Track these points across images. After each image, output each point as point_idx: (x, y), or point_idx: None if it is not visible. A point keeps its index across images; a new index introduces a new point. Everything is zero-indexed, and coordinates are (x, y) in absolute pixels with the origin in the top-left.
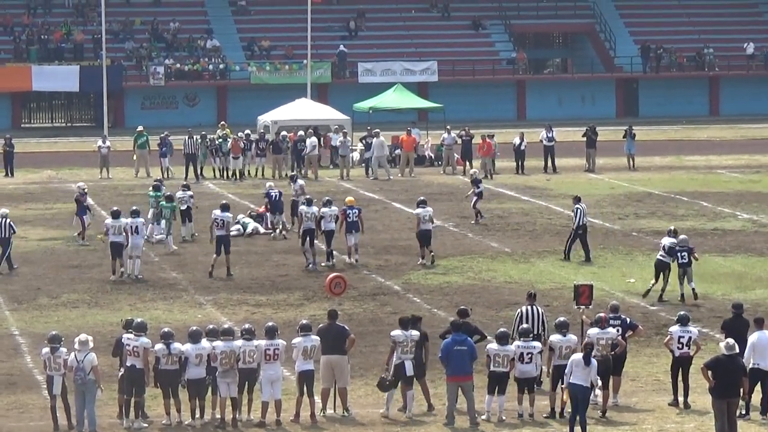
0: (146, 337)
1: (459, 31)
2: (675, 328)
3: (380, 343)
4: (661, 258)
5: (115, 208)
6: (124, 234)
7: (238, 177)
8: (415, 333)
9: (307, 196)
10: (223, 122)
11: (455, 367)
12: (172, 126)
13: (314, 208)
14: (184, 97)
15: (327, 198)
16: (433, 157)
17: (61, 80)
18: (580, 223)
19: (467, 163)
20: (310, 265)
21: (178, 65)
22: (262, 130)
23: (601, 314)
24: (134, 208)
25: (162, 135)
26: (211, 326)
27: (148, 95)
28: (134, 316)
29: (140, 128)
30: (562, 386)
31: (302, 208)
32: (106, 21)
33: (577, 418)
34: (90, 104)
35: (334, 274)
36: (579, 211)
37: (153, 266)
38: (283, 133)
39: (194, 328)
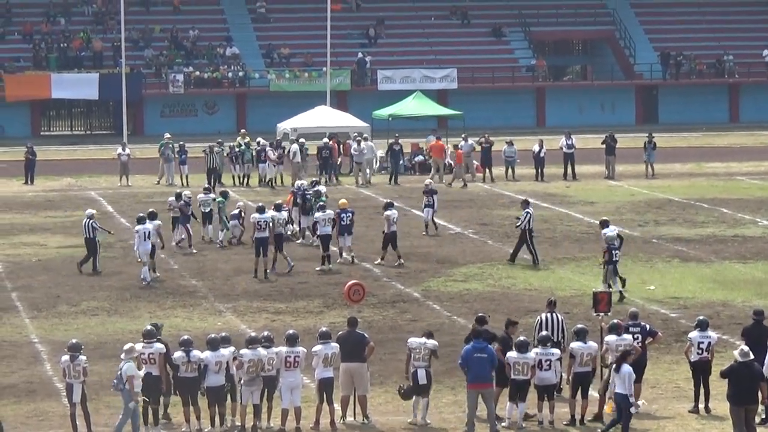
0: (159, 343)
1: (479, 38)
2: (694, 334)
3: (400, 351)
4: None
5: (150, 210)
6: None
7: (273, 184)
8: (431, 342)
9: (259, 204)
10: (243, 130)
11: (475, 374)
12: (191, 134)
13: (267, 215)
14: (204, 105)
15: (321, 203)
16: (453, 164)
17: (80, 88)
18: (528, 228)
19: (486, 170)
20: (268, 271)
21: (198, 73)
22: (279, 138)
23: (617, 321)
24: (141, 214)
25: (181, 143)
26: (223, 334)
27: (167, 103)
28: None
29: (168, 136)
30: (609, 397)
31: (254, 215)
32: (126, 29)
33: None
34: (109, 112)
35: (353, 281)
36: (528, 215)
37: (173, 273)
38: (301, 140)
39: (213, 335)
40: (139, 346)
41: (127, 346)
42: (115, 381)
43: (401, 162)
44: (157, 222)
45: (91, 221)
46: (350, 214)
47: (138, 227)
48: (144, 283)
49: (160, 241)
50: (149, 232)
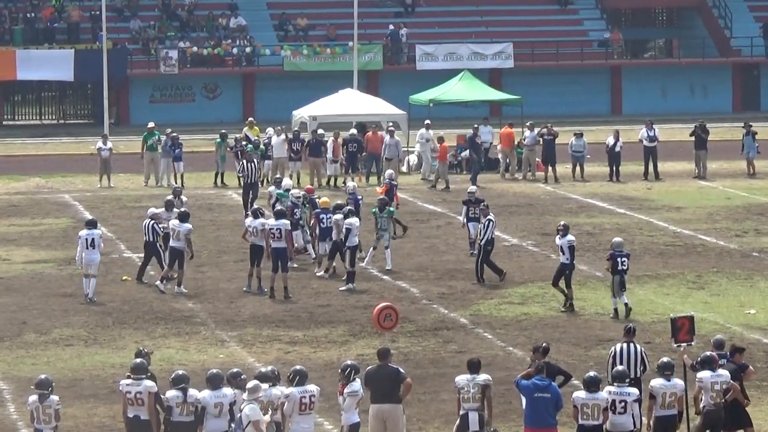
0: (149, 380)
1: (540, 6)
2: None
3: (443, 389)
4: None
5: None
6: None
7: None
8: (482, 377)
9: (254, 206)
10: (251, 119)
11: (536, 417)
12: (188, 123)
13: (259, 221)
14: (203, 88)
15: (348, 207)
16: (508, 160)
17: (52, 67)
18: (490, 237)
19: (549, 167)
20: (259, 290)
21: (195, 49)
22: (296, 129)
23: (710, 353)
24: (91, 218)
25: (173, 135)
26: (235, 369)
27: (158, 86)
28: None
29: (151, 125)
30: None
31: (247, 221)
32: None
33: None
34: (87, 97)
35: (385, 303)
36: (491, 223)
37: (165, 294)
38: (320, 131)
39: (214, 371)
40: (124, 383)
41: (251, 384)
42: (233, 426)
43: (479, 158)
44: (188, 226)
45: (152, 222)
46: (331, 216)
47: (82, 232)
48: (87, 299)
49: (189, 249)
50: (94, 239)
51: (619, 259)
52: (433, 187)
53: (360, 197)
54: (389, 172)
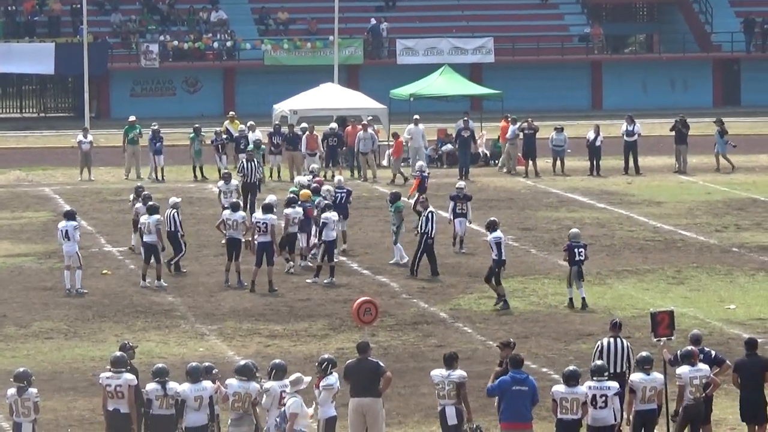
0: (130, 373)
1: (521, 1)
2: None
3: (422, 383)
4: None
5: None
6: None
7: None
8: (456, 374)
9: (233, 200)
10: (232, 113)
11: (513, 411)
12: (168, 117)
13: (239, 214)
14: (183, 82)
15: (326, 202)
16: (489, 154)
17: (32, 61)
18: (431, 230)
19: (529, 162)
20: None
21: (176, 42)
22: (277, 123)
23: (691, 348)
24: (69, 209)
25: (153, 128)
26: (207, 364)
27: (138, 79)
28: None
29: (132, 119)
30: None
31: (225, 212)
32: None
33: None
34: (68, 90)
35: (364, 298)
36: (431, 215)
37: (145, 288)
38: (303, 124)
39: (193, 364)
40: (104, 377)
41: (293, 377)
42: (277, 420)
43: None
44: (156, 217)
45: (173, 211)
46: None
47: (60, 224)
48: (67, 291)
49: (160, 241)
50: (68, 231)
51: (576, 250)
52: (392, 182)
53: (350, 189)
54: (420, 163)
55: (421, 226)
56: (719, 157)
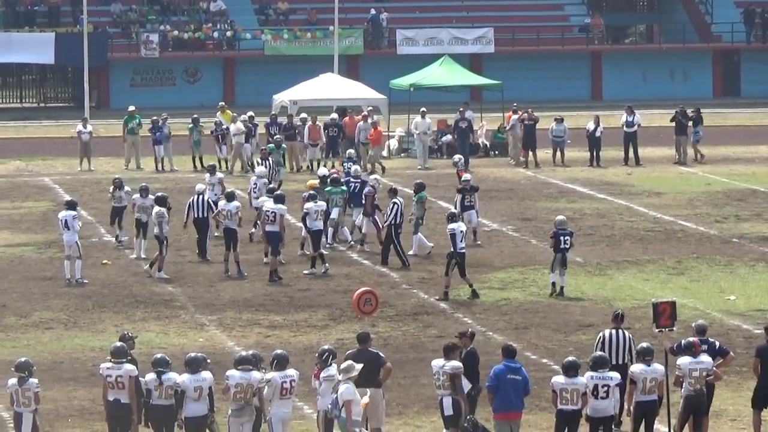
0: (130, 363)
1: None
2: None
3: (422, 374)
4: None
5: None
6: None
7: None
8: (450, 364)
9: (229, 190)
10: (222, 103)
11: (507, 400)
12: (168, 107)
13: (234, 204)
14: (183, 72)
15: (310, 192)
16: (489, 145)
17: (32, 51)
18: (397, 221)
19: (529, 152)
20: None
21: (176, 32)
22: (274, 113)
23: (692, 339)
24: (69, 198)
25: (155, 118)
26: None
27: (138, 69)
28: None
29: (132, 109)
30: None
31: (221, 203)
32: None
33: None
34: (68, 80)
35: (364, 288)
36: (396, 206)
37: (145, 278)
38: (303, 115)
39: (192, 354)
40: (104, 367)
41: (345, 364)
42: (329, 406)
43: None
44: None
45: (200, 197)
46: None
47: (60, 214)
48: (67, 281)
49: (160, 230)
50: (67, 220)
51: (561, 238)
52: (372, 173)
53: (365, 179)
54: (458, 156)
55: (388, 216)
56: (695, 146)
